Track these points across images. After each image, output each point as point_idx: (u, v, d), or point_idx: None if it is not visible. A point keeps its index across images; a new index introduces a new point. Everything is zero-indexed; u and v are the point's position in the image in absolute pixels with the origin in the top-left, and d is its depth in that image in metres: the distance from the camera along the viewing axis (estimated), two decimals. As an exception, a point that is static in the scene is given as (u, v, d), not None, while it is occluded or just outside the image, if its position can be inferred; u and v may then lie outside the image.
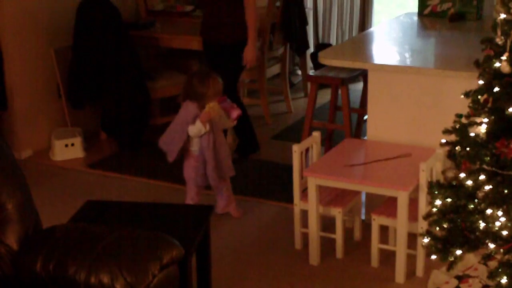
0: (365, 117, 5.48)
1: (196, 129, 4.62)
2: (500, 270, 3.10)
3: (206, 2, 5.69)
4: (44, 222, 3.36)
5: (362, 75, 5.61)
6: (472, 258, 4.00)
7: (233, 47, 5.60)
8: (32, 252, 3.07)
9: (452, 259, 3.38)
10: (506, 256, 3.14)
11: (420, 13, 5.96)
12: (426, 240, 3.47)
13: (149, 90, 6.32)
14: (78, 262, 2.95)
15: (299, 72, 8.23)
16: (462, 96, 3.28)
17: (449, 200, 3.36)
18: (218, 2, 5.53)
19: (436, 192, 3.41)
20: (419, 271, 4.21)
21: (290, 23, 7.09)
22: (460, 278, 3.84)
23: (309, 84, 6.19)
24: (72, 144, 6.21)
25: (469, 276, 3.84)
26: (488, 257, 3.25)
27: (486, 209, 3.12)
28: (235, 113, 4.74)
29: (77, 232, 3.22)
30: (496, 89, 3.12)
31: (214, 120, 4.67)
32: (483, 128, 3.19)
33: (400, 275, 4.16)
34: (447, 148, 3.45)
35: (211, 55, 5.77)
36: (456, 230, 3.36)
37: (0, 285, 3.02)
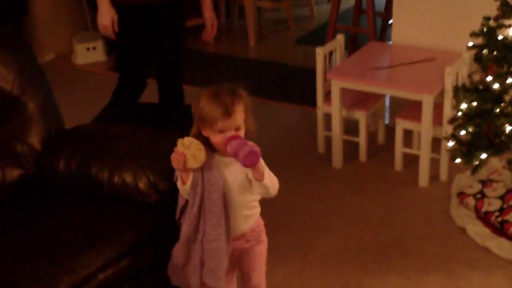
0: (390, 22, 5.40)
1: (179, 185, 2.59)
2: (524, 174, 3.09)
3: None
4: (67, 123, 3.37)
5: (388, -23, 5.50)
6: (496, 163, 4.00)
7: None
8: (55, 151, 3.10)
9: (476, 163, 3.37)
10: (531, 160, 3.14)
11: None
12: (450, 144, 3.46)
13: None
14: (101, 162, 2.97)
15: (323, -25, 8.09)
16: (491, -2, 3.22)
17: (474, 104, 3.34)
18: None
19: (462, 96, 3.38)
20: (443, 175, 4.19)
21: None
22: (484, 183, 3.84)
23: (333, -13, 6.08)
24: (94, 48, 6.21)
25: (493, 181, 3.84)
26: (513, 161, 3.24)
27: (513, 112, 3.10)
28: (243, 152, 2.54)
29: (99, 132, 3.23)
30: (527, -11, 3.05)
31: (200, 178, 2.53)
32: (511, 31, 3.14)
33: (423, 179, 4.15)
34: (473, 51, 3.41)
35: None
36: (481, 134, 3.35)
37: (23, 184, 3.05)
